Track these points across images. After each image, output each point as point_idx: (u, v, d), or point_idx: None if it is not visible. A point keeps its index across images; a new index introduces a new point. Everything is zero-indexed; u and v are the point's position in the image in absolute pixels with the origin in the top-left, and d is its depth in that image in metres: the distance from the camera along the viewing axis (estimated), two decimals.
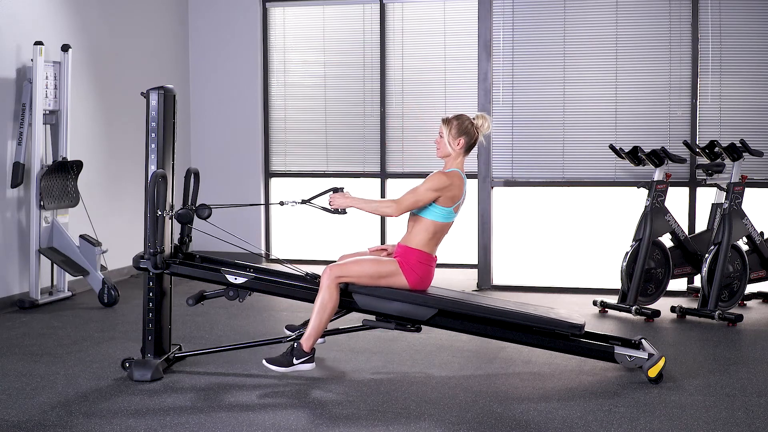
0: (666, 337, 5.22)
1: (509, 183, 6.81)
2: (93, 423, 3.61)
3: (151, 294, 4.31)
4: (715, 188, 6.19)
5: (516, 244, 6.93)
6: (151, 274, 4.29)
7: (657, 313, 5.65)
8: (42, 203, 6.00)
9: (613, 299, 6.01)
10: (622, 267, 5.90)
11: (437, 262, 4.36)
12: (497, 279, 6.89)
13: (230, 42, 8.14)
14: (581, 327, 4.22)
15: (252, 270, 4.44)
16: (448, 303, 4.24)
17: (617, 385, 4.18)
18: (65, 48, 6.26)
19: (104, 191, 7.03)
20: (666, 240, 6.07)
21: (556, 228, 6.87)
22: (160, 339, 4.34)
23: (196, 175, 4.62)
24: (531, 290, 6.74)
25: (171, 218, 4.33)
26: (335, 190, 4.31)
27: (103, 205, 6.94)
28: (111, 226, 6.94)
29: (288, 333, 4.58)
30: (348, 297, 4.25)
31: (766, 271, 6.07)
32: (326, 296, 4.13)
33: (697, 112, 6.51)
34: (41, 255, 6.04)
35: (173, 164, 4.45)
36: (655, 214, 5.91)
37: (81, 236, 6.18)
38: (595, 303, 6.01)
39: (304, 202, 4.46)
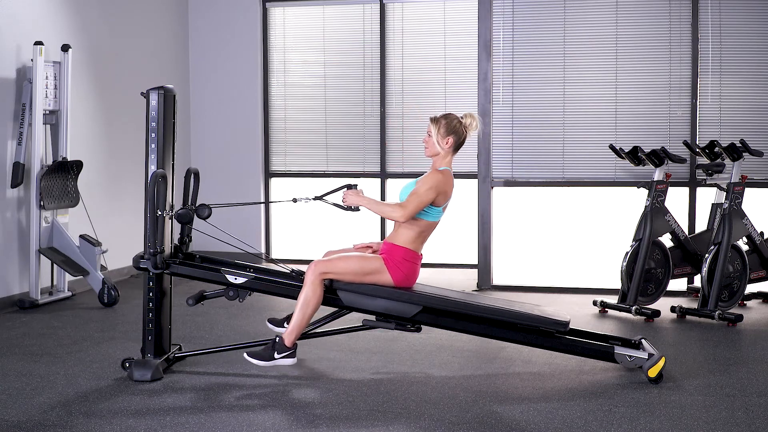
0: (666, 337, 5.22)
1: (509, 183, 6.81)
2: (93, 423, 3.61)
3: (151, 294, 4.31)
4: (715, 188, 6.20)
5: (516, 244, 6.93)
6: (151, 274, 4.29)
7: (657, 313, 5.65)
8: (42, 203, 6.00)
9: (613, 299, 6.01)
10: (622, 267, 5.90)
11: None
12: (497, 279, 6.89)
13: (230, 42, 8.14)
14: (566, 324, 4.22)
15: (252, 270, 4.44)
16: (433, 300, 4.24)
17: (617, 385, 4.18)
18: (65, 48, 6.26)
19: (104, 191, 7.03)
20: (666, 240, 6.07)
21: (556, 228, 6.87)
22: (160, 339, 4.34)
23: (196, 175, 4.62)
24: (531, 290, 6.74)
25: (171, 218, 4.33)
26: (349, 186, 4.31)
27: (103, 205, 6.94)
28: (111, 226, 6.94)
29: (270, 327, 4.58)
30: (333, 294, 4.25)
31: (766, 271, 6.06)
32: (310, 292, 4.13)
33: (697, 112, 6.51)
34: (41, 255, 6.04)
35: (173, 164, 4.45)
36: (655, 214, 5.91)
37: (81, 236, 6.18)
38: (595, 303, 6.01)
39: (317, 198, 4.45)
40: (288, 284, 4.37)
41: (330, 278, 4.19)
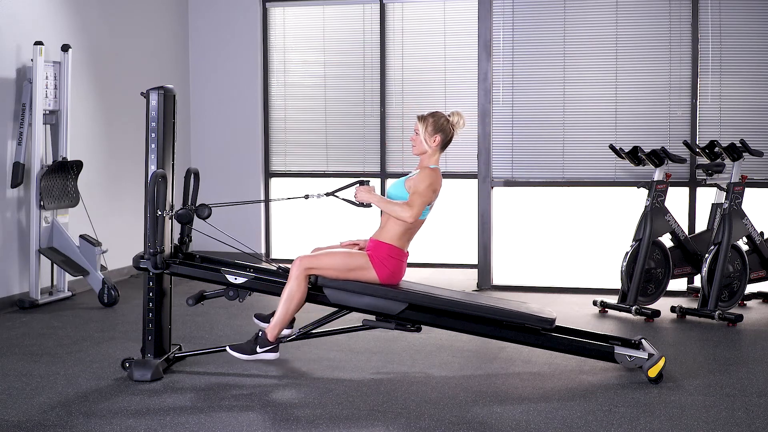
0: (666, 337, 5.21)
1: (509, 183, 6.81)
2: (93, 423, 3.61)
3: (151, 294, 4.31)
4: (715, 188, 6.19)
5: (516, 244, 6.93)
6: (151, 274, 4.29)
7: (657, 313, 5.65)
8: (42, 203, 6.00)
9: (613, 299, 6.01)
10: (622, 267, 5.90)
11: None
12: (497, 279, 6.89)
13: (230, 42, 8.14)
14: (551, 321, 4.22)
15: (252, 270, 4.44)
16: (418, 297, 4.23)
17: (617, 385, 4.18)
18: (65, 48, 6.26)
19: (104, 191, 7.03)
20: (666, 240, 6.07)
21: (556, 228, 6.87)
22: (160, 339, 4.34)
23: (196, 175, 4.62)
24: (531, 290, 6.74)
25: (171, 218, 4.33)
26: (362, 182, 4.30)
27: (103, 205, 6.94)
28: (111, 226, 6.94)
29: (257, 322, 4.58)
30: (319, 291, 4.25)
31: (766, 271, 6.06)
32: (294, 287, 4.14)
33: (697, 112, 6.51)
34: (41, 255, 6.04)
35: (173, 164, 4.45)
36: (655, 214, 5.91)
37: (81, 236, 6.18)
38: (595, 303, 6.01)
39: (329, 194, 4.45)
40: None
41: (314, 273, 4.20)
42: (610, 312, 5.95)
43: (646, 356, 4.22)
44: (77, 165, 6.25)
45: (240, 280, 4.31)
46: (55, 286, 6.30)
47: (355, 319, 4.67)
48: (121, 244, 6.92)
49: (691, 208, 6.57)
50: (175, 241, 4.53)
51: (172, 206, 4.35)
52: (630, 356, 4.26)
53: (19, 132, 5.99)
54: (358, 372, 4.42)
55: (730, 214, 5.70)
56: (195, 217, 4.39)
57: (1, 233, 5.93)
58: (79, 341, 5.06)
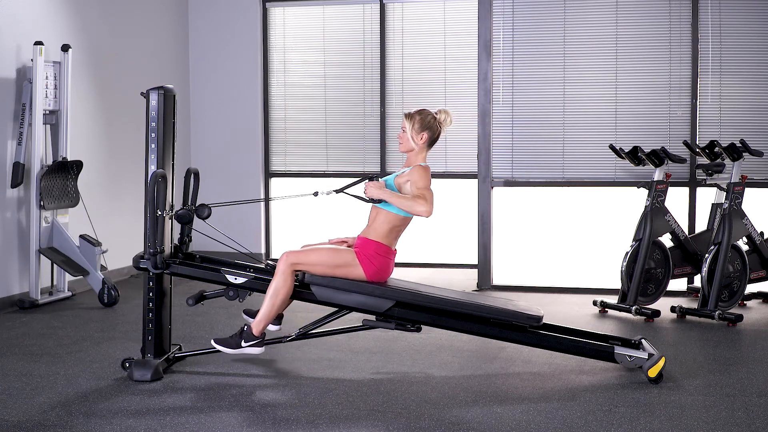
0: (666, 337, 5.21)
1: (509, 183, 6.81)
2: (93, 423, 3.61)
3: (151, 294, 4.31)
4: (715, 188, 6.19)
5: (516, 244, 6.93)
6: (151, 274, 4.29)
7: (657, 313, 5.65)
8: (42, 203, 6.00)
9: (613, 299, 6.01)
10: (622, 267, 5.90)
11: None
12: (497, 279, 6.89)
13: (230, 42, 8.14)
14: (539, 318, 4.22)
15: (252, 270, 4.44)
16: (405, 295, 4.23)
17: (617, 385, 4.18)
18: (65, 48, 6.26)
19: (104, 191, 7.03)
20: (666, 240, 6.07)
21: (555, 228, 6.87)
22: (160, 339, 4.34)
23: (196, 175, 4.62)
24: (531, 290, 6.74)
25: (171, 218, 4.33)
26: (370, 178, 4.28)
27: (103, 205, 6.94)
28: (111, 226, 6.94)
29: (246, 318, 4.57)
30: (306, 288, 4.24)
31: (766, 271, 6.06)
32: (280, 282, 4.14)
33: (697, 112, 6.51)
34: (41, 255, 6.04)
35: (173, 164, 4.45)
36: (655, 214, 5.91)
37: (81, 236, 6.18)
38: (595, 303, 6.01)
39: (338, 191, 4.44)
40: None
41: (301, 269, 4.19)
42: (610, 312, 5.95)
43: (646, 356, 4.22)
44: (77, 165, 6.25)
45: (240, 280, 4.31)
46: (55, 286, 6.30)
47: (355, 319, 4.68)
48: (121, 244, 6.92)
49: (691, 208, 6.57)
50: (175, 241, 4.53)
51: (172, 206, 4.35)
52: (630, 356, 4.25)
53: (19, 132, 5.99)
54: (358, 372, 4.42)
55: (730, 214, 5.70)
56: (195, 217, 4.38)
57: (1, 233, 5.93)
58: (79, 341, 5.06)
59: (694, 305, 5.86)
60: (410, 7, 7.78)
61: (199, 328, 5.41)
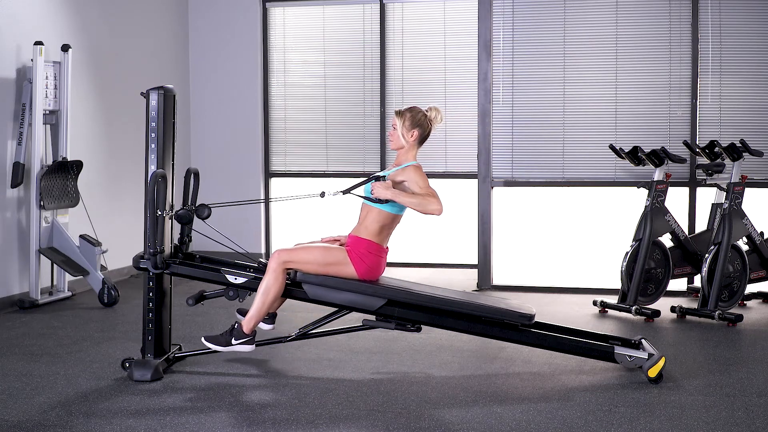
0: (666, 337, 5.21)
1: (509, 183, 6.81)
2: (93, 423, 3.61)
3: (151, 294, 4.31)
4: (715, 188, 6.19)
5: (516, 244, 6.93)
6: (151, 274, 4.29)
7: (657, 313, 5.65)
8: (42, 203, 6.00)
9: (613, 299, 6.01)
10: (622, 267, 5.90)
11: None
12: (497, 279, 6.89)
13: (230, 42, 8.14)
14: (531, 317, 4.22)
15: (252, 270, 4.44)
16: (397, 293, 4.23)
17: (617, 385, 4.18)
18: (65, 48, 6.26)
19: (104, 191, 7.03)
20: (666, 240, 6.07)
21: (556, 228, 6.87)
22: (160, 339, 4.34)
23: (196, 175, 4.62)
24: (531, 290, 6.74)
25: (171, 218, 4.33)
26: (377, 178, 4.26)
27: (103, 205, 6.94)
28: (111, 226, 6.94)
29: (238, 317, 4.56)
30: (298, 287, 4.24)
31: (766, 271, 6.06)
32: (271, 280, 4.14)
33: (697, 112, 6.51)
34: (41, 255, 6.04)
35: (173, 164, 4.45)
36: (655, 214, 5.91)
37: (81, 236, 6.18)
38: (595, 303, 6.01)
39: (345, 192, 4.43)
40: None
41: (292, 267, 4.19)
42: (610, 312, 5.95)
43: (646, 356, 4.22)
44: (77, 165, 6.25)
45: (240, 280, 4.31)
46: (55, 286, 6.30)
47: (355, 319, 4.68)
48: (121, 244, 6.92)
49: (691, 208, 6.57)
50: (175, 241, 4.53)
51: (172, 206, 4.35)
52: (630, 356, 4.25)
53: (19, 132, 5.99)
54: (358, 372, 4.42)
55: (730, 214, 5.70)
56: (195, 218, 4.38)
57: (1, 233, 5.93)
58: (79, 341, 5.06)
59: (694, 305, 5.86)
60: (410, 7, 7.78)
61: (199, 328, 5.41)
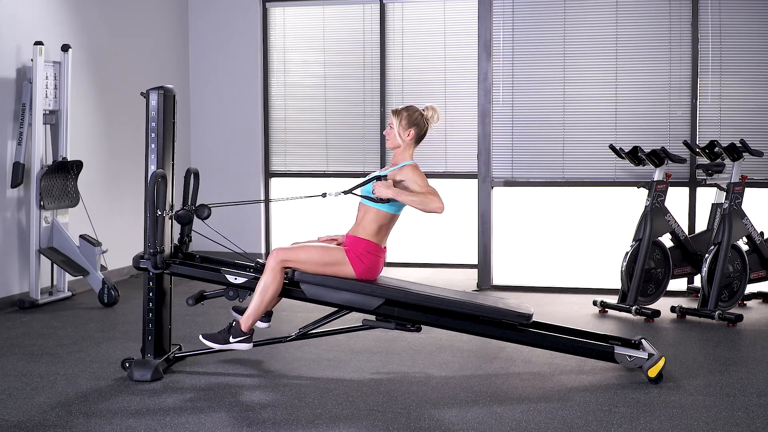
0: (666, 337, 5.22)
1: (509, 183, 6.81)
2: (93, 423, 3.61)
3: (151, 294, 4.31)
4: (715, 188, 6.20)
5: (516, 244, 6.93)
6: (151, 274, 4.29)
7: (657, 313, 5.65)
8: (42, 203, 6.00)
9: (613, 299, 6.01)
10: (622, 267, 5.90)
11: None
12: (497, 279, 6.89)
13: (230, 42, 8.14)
14: (529, 316, 4.22)
15: (252, 270, 4.44)
16: (395, 293, 4.22)
17: (617, 385, 4.18)
18: (65, 48, 6.26)
19: (104, 191, 7.03)
20: (666, 240, 6.07)
21: (556, 228, 6.87)
22: (160, 339, 4.34)
23: (196, 175, 4.61)
24: (531, 290, 6.74)
25: (171, 218, 4.33)
26: (378, 178, 4.24)
27: (103, 205, 6.94)
28: (111, 226, 6.94)
29: (234, 315, 4.56)
30: (296, 286, 4.24)
31: (766, 271, 6.06)
32: (269, 278, 4.14)
33: (697, 112, 6.51)
34: (41, 255, 6.04)
35: (173, 164, 4.45)
36: (655, 214, 5.91)
37: (81, 236, 6.18)
38: (595, 303, 6.01)
39: (347, 192, 4.42)
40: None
41: (290, 266, 4.19)
42: (610, 312, 5.95)
43: (646, 356, 4.22)
44: (77, 165, 6.25)
45: (240, 280, 4.31)
46: (55, 286, 6.30)
47: (355, 319, 4.67)
48: (121, 244, 6.92)
49: (691, 208, 6.57)
50: (175, 241, 4.53)
51: (172, 206, 4.35)
52: (630, 356, 4.25)
53: (19, 132, 5.99)
54: (358, 372, 4.42)
55: (730, 214, 5.70)
56: (195, 218, 4.38)
57: (1, 233, 5.93)
58: (79, 341, 5.06)
59: (694, 305, 5.86)
60: (410, 7, 7.78)
61: (199, 328, 5.40)
